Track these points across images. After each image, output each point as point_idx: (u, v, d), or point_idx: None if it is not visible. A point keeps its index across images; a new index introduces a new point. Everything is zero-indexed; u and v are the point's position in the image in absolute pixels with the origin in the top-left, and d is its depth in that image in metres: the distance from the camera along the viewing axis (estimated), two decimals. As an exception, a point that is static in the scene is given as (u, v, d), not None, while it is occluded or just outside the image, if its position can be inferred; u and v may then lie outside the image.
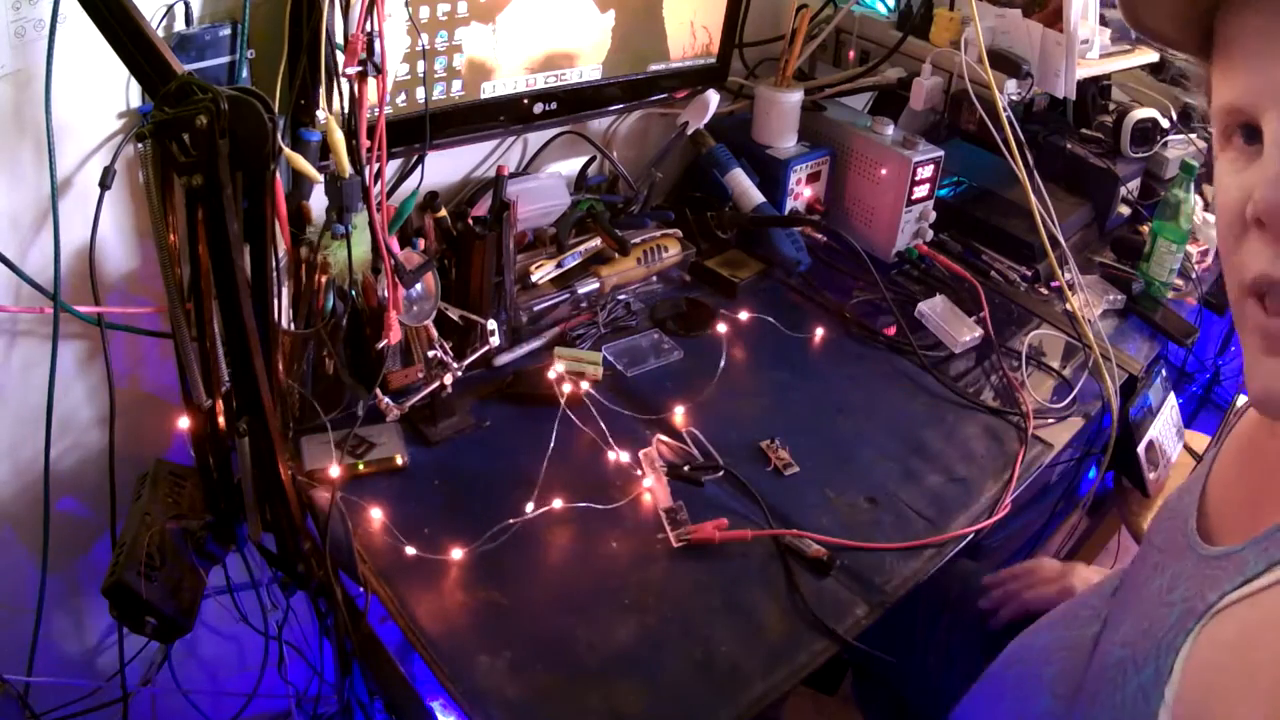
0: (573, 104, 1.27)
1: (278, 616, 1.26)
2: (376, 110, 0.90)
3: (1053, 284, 1.46)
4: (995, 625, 1.07)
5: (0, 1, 0.82)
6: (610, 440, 1.08)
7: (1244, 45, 0.50)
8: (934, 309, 1.36)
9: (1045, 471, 1.17)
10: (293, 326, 1.02)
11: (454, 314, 1.10)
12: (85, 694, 1.21)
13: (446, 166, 1.29)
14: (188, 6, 0.93)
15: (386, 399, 1.03)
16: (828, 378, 1.25)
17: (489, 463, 1.06)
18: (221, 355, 0.82)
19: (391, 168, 1.18)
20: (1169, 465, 1.49)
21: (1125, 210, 1.67)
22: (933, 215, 1.48)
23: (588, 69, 1.26)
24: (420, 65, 1.07)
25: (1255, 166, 0.50)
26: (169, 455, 1.09)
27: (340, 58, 0.91)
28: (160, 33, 0.90)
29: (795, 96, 1.46)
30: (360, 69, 0.88)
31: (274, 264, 0.79)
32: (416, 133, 1.10)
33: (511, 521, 0.97)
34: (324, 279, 0.98)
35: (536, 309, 1.24)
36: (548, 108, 1.24)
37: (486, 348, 1.13)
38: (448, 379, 1.07)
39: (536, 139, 1.38)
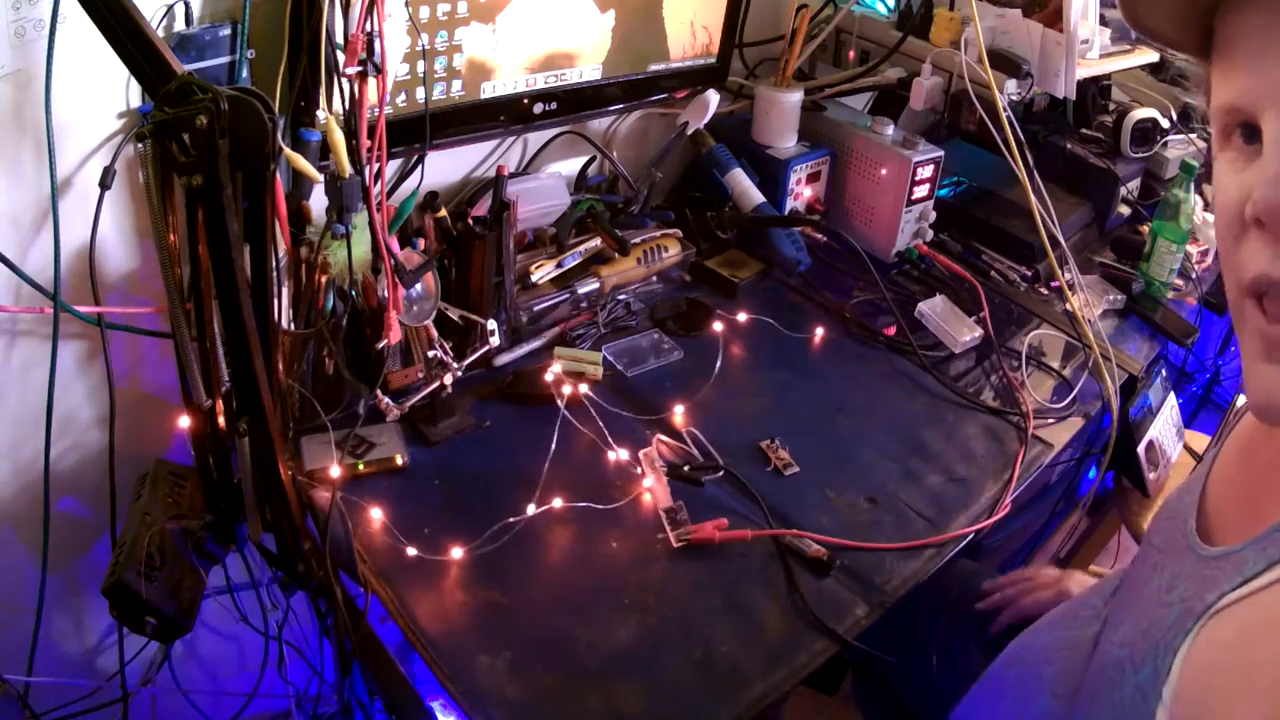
0: (573, 104, 1.27)
1: (278, 616, 1.26)
2: (376, 110, 0.90)
3: (1053, 284, 1.46)
4: (993, 631, 1.08)
5: (1, 2, 0.82)
6: (610, 440, 1.08)
7: (1244, 44, 0.50)
8: (934, 309, 1.36)
9: (1045, 471, 1.17)
10: (293, 326, 1.02)
11: (454, 314, 1.10)
12: (85, 694, 1.21)
13: (446, 166, 1.29)
14: (188, 6, 0.93)
15: (386, 399, 1.03)
16: (828, 378, 1.25)
17: (489, 463, 1.06)
18: (221, 355, 0.82)
19: (391, 168, 1.18)
20: (1169, 465, 1.49)
21: (1125, 210, 1.67)
22: (933, 215, 1.48)
23: (588, 69, 1.26)
24: (420, 65, 1.07)
25: (1254, 166, 0.50)
26: (169, 455, 1.09)
27: (340, 57, 0.91)
28: (160, 33, 0.90)
29: (795, 96, 1.46)
30: (360, 69, 0.88)
31: (274, 264, 0.79)
32: (416, 133, 1.10)
33: (511, 521, 0.97)
34: (324, 279, 0.98)
35: (536, 309, 1.24)
36: (548, 108, 1.24)
37: (486, 348, 1.13)
38: (448, 379, 1.07)
39: (536, 139, 1.38)
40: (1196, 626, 0.53)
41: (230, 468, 0.91)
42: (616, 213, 1.37)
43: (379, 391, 1.03)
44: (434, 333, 1.07)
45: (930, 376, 1.26)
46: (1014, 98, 1.41)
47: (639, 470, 1.05)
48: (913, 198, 1.42)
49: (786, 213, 1.48)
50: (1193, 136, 1.72)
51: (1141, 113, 1.62)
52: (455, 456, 1.07)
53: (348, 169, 0.93)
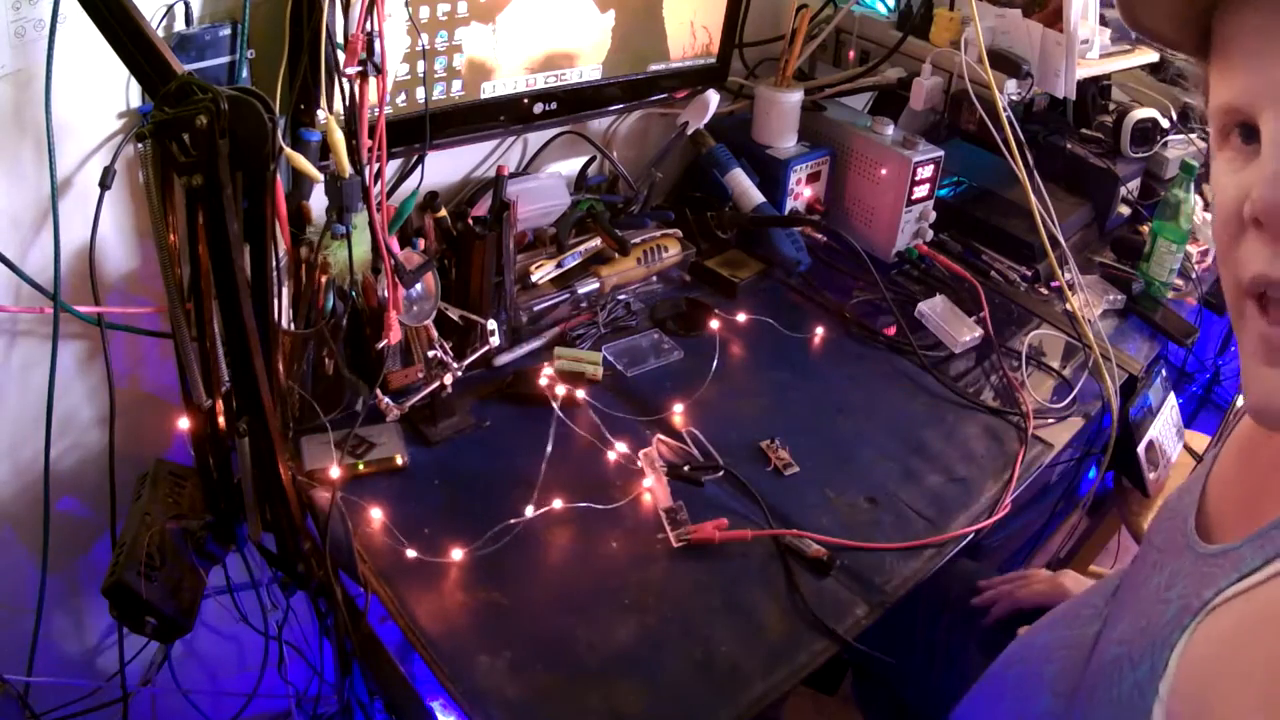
0: (573, 104, 1.27)
1: (278, 616, 1.26)
2: (376, 110, 0.90)
3: (1053, 284, 1.46)
4: (988, 622, 1.08)
5: (1, 2, 0.82)
6: (610, 440, 1.08)
7: (1242, 44, 0.50)
8: (934, 309, 1.36)
9: (1045, 471, 1.17)
10: (293, 326, 1.02)
11: (454, 314, 1.10)
12: (85, 694, 1.21)
13: (446, 166, 1.29)
14: (188, 6, 0.93)
15: (386, 399, 1.03)
16: (828, 378, 1.25)
17: (489, 463, 1.06)
18: (221, 355, 0.82)
19: (391, 168, 1.18)
20: (1169, 465, 1.49)
21: (1125, 210, 1.67)
22: (933, 215, 1.48)
23: (588, 69, 1.26)
24: (420, 65, 1.07)
25: (1253, 166, 0.50)
26: (169, 455, 1.09)
27: (340, 57, 0.91)
28: (160, 33, 0.90)
29: (795, 96, 1.46)
30: (360, 69, 0.88)
31: (274, 264, 0.79)
32: (416, 133, 1.10)
33: (511, 521, 0.97)
34: (324, 279, 0.98)
35: (536, 309, 1.24)
36: (548, 108, 1.24)
37: (486, 348, 1.13)
38: (448, 379, 1.07)
39: (536, 139, 1.38)
40: (1194, 623, 0.53)
41: (230, 468, 0.91)
42: (616, 213, 1.37)
43: (379, 391, 1.03)
44: (434, 333, 1.07)
45: (930, 376, 1.26)
46: (1014, 98, 1.41)
47: (639, 470, 1.05)
48: (913, 198, 1.42)
49: (786, 213, 1.48)
50: (1193, 136, 1.72)
51: (1141, 113, 1.62)
52: (455, 456, 1.07)
53: (348, 169, 0.93)
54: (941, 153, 1.42)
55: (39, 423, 1.01)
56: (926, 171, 1.41)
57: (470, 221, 1.11)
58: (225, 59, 0.97)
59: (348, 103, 0.94)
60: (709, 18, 1.35)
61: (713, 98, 1.41)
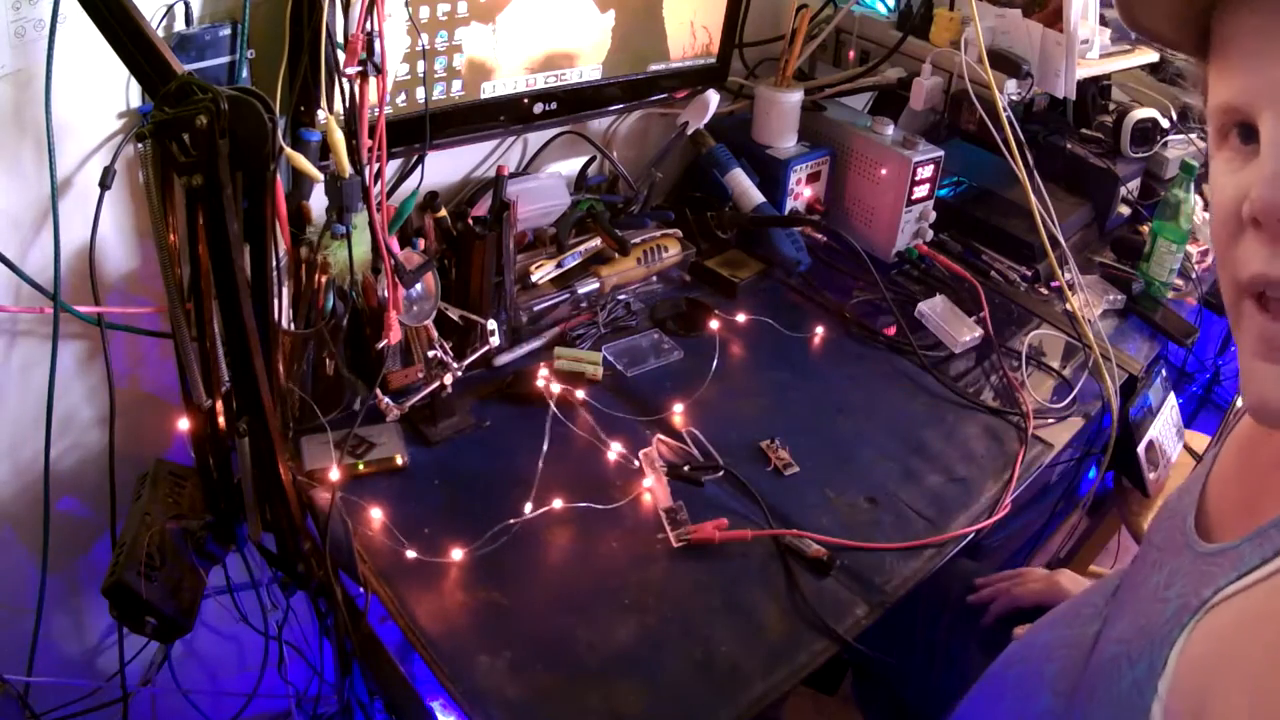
0: (573, 104, 1.27)
1: (278, 616, 1.26)
2: (376, 110, 0.90)
3: (1053, 284, 1.46)
4: (985, 621, 1.08)
5: (1, 2, 0.82)
6: (610, 440, 1.08)
7: (1241, 45, 0.50)
8: (934, 309, 1.36)
9: (1045, 471, 1.17)
10: (293, 326, 1.02)
11: (454, 314, 1.10)
12: (85, 694, 1.21)
13: (446, 166, 1.29)
14: (188, 6, 0.93)
15: (386, 399, 1.03)
16: (828, 378, 1.25)
17: (489, 463, 1.06)
18: (221, 355, 0.82)
19: (391, 168, 1.18)
20: (1169, 465, 1.49)
21: (1125, 210, 1.67)
22: (933, 215, 1.48)
23: (588, 69, 1.26)
24: (420, 65, 1.07)
25: (1251, 166, 0.50)
26: (169, 455, 1.09)
27: (340, 57, 0.91)
28: (160, 33, 0.90)
29: (795, 96, 1.46)
30: (360, 69, 0.88)
31: (274, 264, 0.79)
32: (416, 133, 1.10)
33: (511, 521, 0.97)
34: (324, 279, 0.98)
35: (536, 309, 1.24)
36: (548, 108, 1.24)
37: (486, 348, 1.13)
38: (448, 379, 1.07)
39: (536, 139, 1.38)
40: (1193, 622, 0.53)
41: (230, 468, 0.91)
42: (616, 213, 1.37)
43: (379, 391, 1.03)
44: (434, 333, 1.07)
45: (930, 376, 1.26)
46: (1014, 98, 1.41)
47: (639, 470, 1.05)
48: (913, 198, 1.42)
49: (786, 213, 1.48)
50: (1193, 137, 1.72)
51: (1141, 113, 1.62)
52: (455, 456, 1.07)
53: (348, 169, 0.93)
54: (941, 153, 1.42)
55: (39, 423, 1.01)
56: (926, 171, 1.41)
57: (470, 221, 1.11)
58: (225, 59, 0.97)
59: (348, 103, 0.94)
60: (709, 18, 1.35)
61: (713, 98, 1.41)
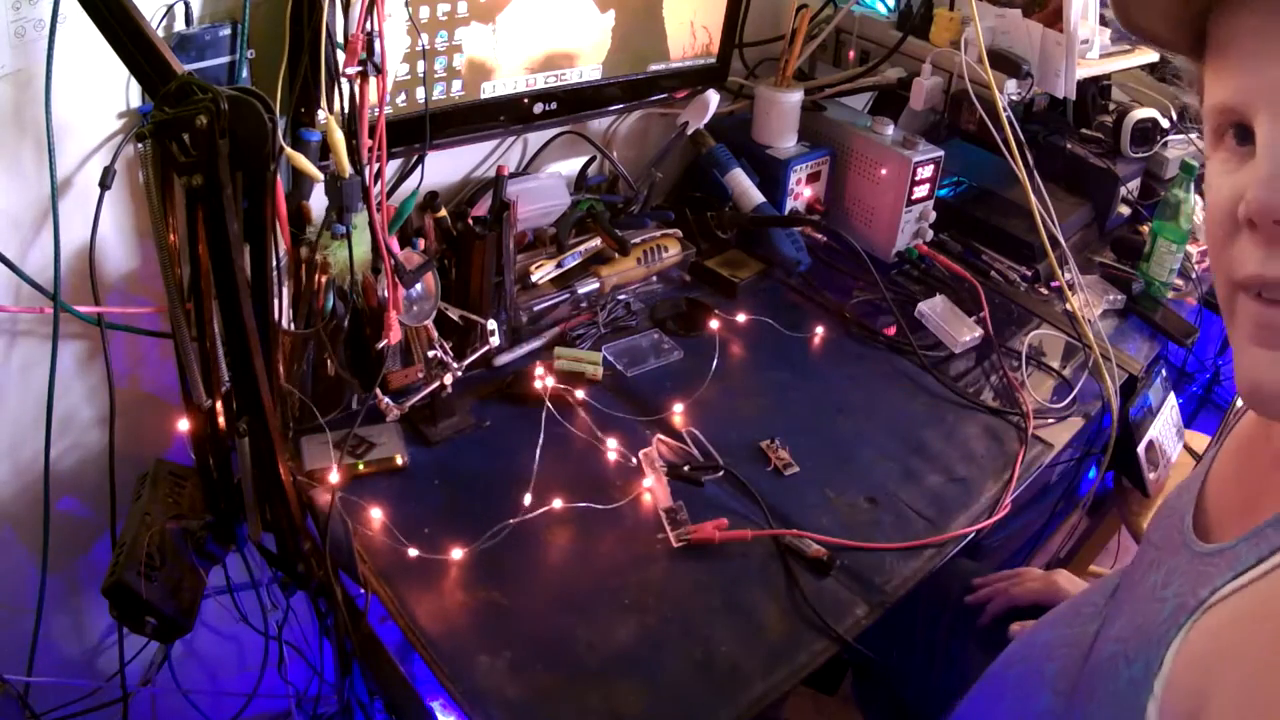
0: (573, 104, 1.27)
1: (278, 616, 1.26)
2: (376, 110, 0.90)
3: (1053, 284, 1.46)
4: (983, 620, 1.08)
5: (1, 2, 0.82)
6: (610, 440, 1.08)
7: (1239, 45, 0.50)
8: (934, 309, 1.36)
9: (1045, 471, 1.17)
10: (293, 326, 1.02)
11: (454, 314, 1.10)
12: (85, 694, 1.21)
13: (446, 166, 1.29)
14: (188, 6, 0.93)
15: (386, 399, 1.03)
16: (828, 378, 1.25)
17: (489, 463, 1.06)
18: (221, 355, 0.82)
19: (391, 168, 1.18)
20: (1169, 465, 1.49)
21: (1125, 210, 1.67)
22: (933, 215, 1.48)
23: (588, 69, 1.26)
24: (420, 65, 1.07)
25: (1247, 167, 0.50)
26: (169, 455, 1.09)
27: (340, 57, 0.91)
28: (160, 33, 0.90)
29: (795, 96, 1.46)
30: (360, 69, 0.88)
31: (274, 264, 0.79)
32: (416, 133, 1.10)
33: (511, 521, 0.97)
34: (324, 279, 0.98)
35: (536, 309, 1.24)
36: (548, 108, 1.24)
37: (486, 348, 1.13)
38: (448, 379, 1.07)
39: (536, 139, 1.38)
40: (1190, 622, 0.53)
41: (230, 468, 0.91)
42: (616, 213, 1.37)
43: (379, 391, 1.03)
44: (434, 333, 1.07)
45: (930, 376, 1.26)
46: (1014, 98, 1.41)
47: (639, 470, 1.05)
48: (913, 198, 1.42)
49: (786, 213, 1.48)
50: (1193, 137, 1.72)
51: (1141, 113, 1.62)
52: (455, 456, 1.07)
53: (348, 169, 0.93)
54: (941, 153, 1.42)
55: (39, 423, 1.01)
56: (926, 171, 1.41)
57: (470, 221, 1.11)
58: (225, 59, 0.97)
59: (348, 103, 0.94)
60: (709, 18, 1.35)
61: (713, 98, 1.41)
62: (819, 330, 1.32)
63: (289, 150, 0.92)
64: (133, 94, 0.96)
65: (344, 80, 0.92)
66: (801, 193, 1.50)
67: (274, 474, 0.85)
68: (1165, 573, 0.60)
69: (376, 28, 0.87)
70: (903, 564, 0.98)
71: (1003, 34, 1.42)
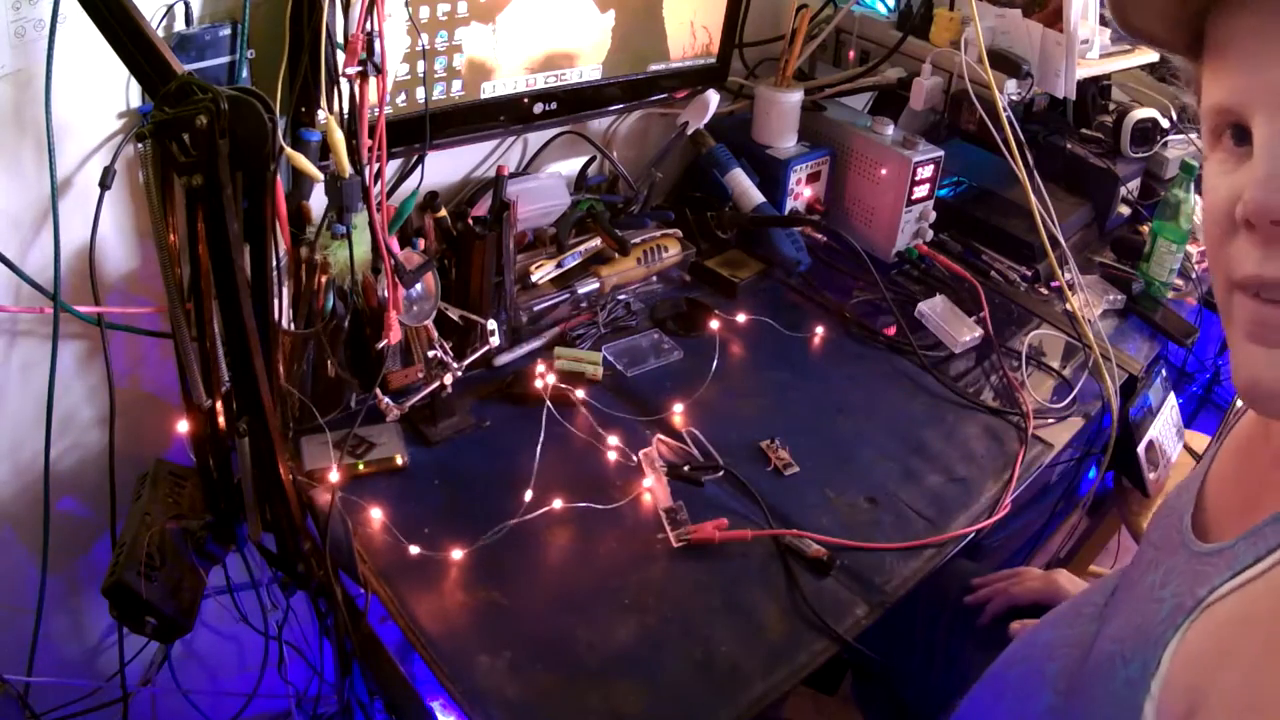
0: (573, 104, 1.27)
1: (278, 616, 1.26)
2: (376, 110, 0.90)
3: (1053, 284, 1.46)
4: (983, 620, 1.08)
5: (1, 2, 0.82)
6: (610, 440, 1.08)
7: (1237, 46, 0.50)
8: (934, 309, 1.36)
9: (1045, 471, 1.17)
10: (293, 326, 1.02)
11: (454, 314, 1.10)
12: (85, 694, 1.21)
13: (446, 166, 1.29)
14: (188, 6, 0.93)
15: (386, 399, 1.03)
16: (828, 378, 1.25)
17: (489, 463, 1.06)
18: (221, 355, 0.82)
19: (391, 168, 1.18)
20: (1169, 465, 1.49)
21: (1125, 210, 1.67)
22: (933, 215, 1.48)
23: (588, 69, 1.26)
24: (420, 65, 1.07)
25: (1245, 168, 0.50)
26: (169, 455, 1.09)
27: (340, 57, 0.91)
28: (160, 33, 0.90)
29: (795, 96, 1.46)
30: (360, 69, 0.88)
31: (274, 264, 0.79)
32: (416, 133, 1.10)
33: (511, 521, 0.97)
34: (324, 279, 0.98)
35: (536, 309, 1.24)
36: (548, 108, 1.24)
37: (486, 348, 1.13)
38: (448, 379, 1.07)
39: (536, 139, 1.38)
40: (1187, 622, 0.53)
41: (230, 468, 0.91)
42: (616, 213, 1.37)
43: (379, 391, 1.03)
44: (434, 333, 1.07)
45: (930, 376, 1.26)
46: (1014, 98, 1.41)
47: (639, 470, 1.05)
48: (913, 198, 1.42)
49: (786, 213, 1.48)
50: (1193, 137, 1.72)
51: (1141, 113, 1.62)
52: (455, 456, 1.07)
53: (348, 169, 0.93)
54: (941, 153, 1.42)
55: (39, 423, 1.01)
56: (926, 171, 1.41)
57: (470, 221, 1.11)
58: (225, 59, 0.97)
59: (348, 103, 0.94)
60: (709, 18, 1.35)
61: (713, 98, 1.41)
62: (819, 330, 1.32)
63: (289, 150, 0.92)
64: (133, 94, 0.96)
65: (344, 80, 0.92)
66: (801, 193, 1.50)
67: (274, 474, 0.85)
68: (1164, 572, 0.60)
69: (376, 28, 0.87)
70: (903, 564, 0.98)
71: (1003, 34, 1.42)
